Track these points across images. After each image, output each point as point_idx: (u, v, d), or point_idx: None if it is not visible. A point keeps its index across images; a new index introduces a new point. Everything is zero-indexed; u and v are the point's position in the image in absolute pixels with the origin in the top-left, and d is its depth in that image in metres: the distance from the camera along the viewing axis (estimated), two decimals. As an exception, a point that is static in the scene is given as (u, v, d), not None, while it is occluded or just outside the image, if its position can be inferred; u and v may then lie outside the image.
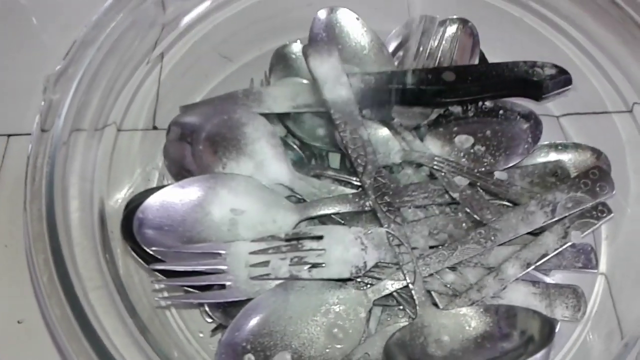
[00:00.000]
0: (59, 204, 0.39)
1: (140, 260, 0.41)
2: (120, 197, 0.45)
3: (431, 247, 0.42)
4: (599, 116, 0.49)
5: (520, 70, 0.46)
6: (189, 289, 0.40)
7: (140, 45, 0.47)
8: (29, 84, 0.53)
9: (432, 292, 0.41)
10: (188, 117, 0.46)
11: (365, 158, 0.43)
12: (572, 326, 0.42)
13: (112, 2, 0.45)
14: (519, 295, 0.41)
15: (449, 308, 0.40)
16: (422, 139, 0.47)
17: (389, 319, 0.42)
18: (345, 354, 0.39)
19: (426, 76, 0.46)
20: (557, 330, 0.36)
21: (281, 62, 0.50)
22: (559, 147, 0.47)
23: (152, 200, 0.41)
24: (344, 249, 0.40)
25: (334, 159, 0.48)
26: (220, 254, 0.40)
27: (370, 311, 0.40)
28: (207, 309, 0.41)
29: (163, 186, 0.43)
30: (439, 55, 0.50)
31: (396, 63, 0.50)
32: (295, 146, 0.47)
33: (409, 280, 0.40)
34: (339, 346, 0.39)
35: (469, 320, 0.39)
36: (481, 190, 0.44)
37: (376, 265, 0.40)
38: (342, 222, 0.43)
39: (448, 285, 0.41)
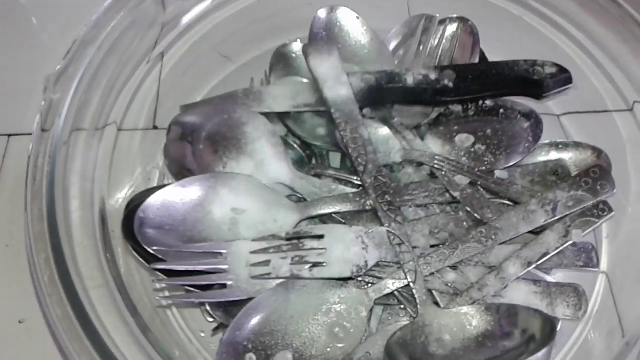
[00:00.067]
0: (59, 203, 0.39)
1: (141, 259, 0.41)
2: (121, 196, 0.45)
3: (432, 246, 0.42)
4: (599, 115, 0.49)
5: (521, 69, 0.46)
6: (190, 289, 0.40)
7: (141, 45, 0.47)
8: (29, 84, 0.53)
9: (433, 291, 0.41)
10: (188, 117, 0.46)
11: (366, 157, 0.43)
12: (573, 325, 0.42)
13: (112, 2, 0.45)
14: (520, 294, 0.41)
15: (450, 307, 0.40)
16: (422, 138, 0.46)
17: (390, 318, 0.42)
18: (347, 353, 0.39)
19: (426, 75, 0.46)
20: (558, 329, 0.36)
21: (281, 62, 0.50)
22: (560, 146, 0.47)
23: (153, 200, 0.41)
24: (345, 248, 0.40)
25: (335, 158, 0.48)
26: (221, 254, 0.40)
27: (371, 310, 0.40)
28: (208, 308, 0.41)
29: (164, 186, 0.43)
30: (439, 54, 0.50)
31: (396, 62, 0.50)
32: (295, 145, 0.47)
33: (410, 280, 0.40)
34: (340, 345, 0.39)
35: (470, 319, 0.39)
36: (482, 189, 0.44)
37: (377, 265, 0.40)
38: (343, 221, 0.43)
39: (449, 284, 0.41)
